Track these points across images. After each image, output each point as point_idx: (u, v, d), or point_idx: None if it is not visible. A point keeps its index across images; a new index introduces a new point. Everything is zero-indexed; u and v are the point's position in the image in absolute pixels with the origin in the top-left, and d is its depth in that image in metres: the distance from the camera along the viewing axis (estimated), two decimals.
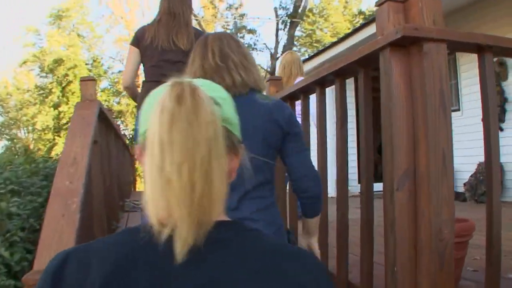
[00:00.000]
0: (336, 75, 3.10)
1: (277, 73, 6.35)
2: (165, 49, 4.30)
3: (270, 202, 2.34)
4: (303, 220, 2.56)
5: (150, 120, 1.00)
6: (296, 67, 6.22)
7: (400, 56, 2.30)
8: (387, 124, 2.30)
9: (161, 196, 0.96)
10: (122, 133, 13.13)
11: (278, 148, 2.34)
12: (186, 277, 0.97)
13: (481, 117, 7.52)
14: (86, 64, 31.63)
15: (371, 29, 9.17)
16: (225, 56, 2.31)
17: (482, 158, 8.03)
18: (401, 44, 2.29)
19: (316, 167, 2.51)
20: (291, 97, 4.06)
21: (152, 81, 4.23)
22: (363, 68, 2.76)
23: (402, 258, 2.22)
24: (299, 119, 3.63)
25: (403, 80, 2.28)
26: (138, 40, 4.43)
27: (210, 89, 1.12)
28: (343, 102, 3.12)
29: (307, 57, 14.77)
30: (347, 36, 11.01)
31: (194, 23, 4.57)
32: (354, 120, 10.16)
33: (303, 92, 3.80)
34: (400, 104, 2.26)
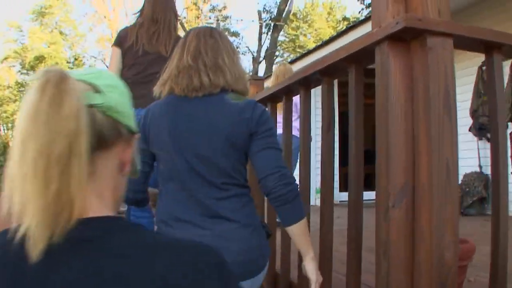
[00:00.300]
0: (323, 74, 2.78)
1: (270, 84, 6.11)
2: (146, 51, 4.24)
3: (245, 201, 2.25)
4: (290, 236, 2.30)
5: (19, 111, 0.97)
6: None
7: (399, 51, 1.99)
8: (383, 129, 2.00)
9: (18, 191, 0.92)
10: None
11: (245, 150, 2.24)
12: (44, 277, 0.91)
13: (468, 126, 7.33)
14: (68, 62, 31.80)
15: (358, 33, 8.90)
16: (197, 56, 2.27)
17: (467, 169, 7.95)
18: (401, 38, 1.99)
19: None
20: (272, 99, 3.74)
21: (127, 81, 4.08)
22: (354, 65, 2.44)
23: (397, 286, 1.92)
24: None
25: (403, 78, 1.97)
26: (120, 42, 4.37)
27: (95, 77, 1.09)
28: (331, 103, 2.80)
29: (289, 61, 14.50)
30: (332, 39, 10.70)
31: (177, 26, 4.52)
32: (337, 126, 9.90)
33: (286, 94, 3.47)
34: (398, 106, 1.95)
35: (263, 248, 2.24)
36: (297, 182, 2.24)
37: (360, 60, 2.40)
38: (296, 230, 2.21)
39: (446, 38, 1.95)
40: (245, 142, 2.21)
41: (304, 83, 3.10)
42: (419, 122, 1.93)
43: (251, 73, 26.57)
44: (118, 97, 1.10)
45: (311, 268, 2.26)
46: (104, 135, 1.04)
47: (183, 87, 2.25)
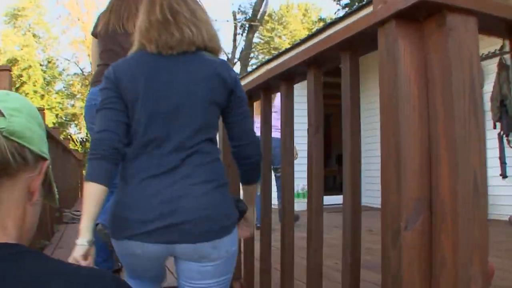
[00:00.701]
0: (310, 65, 2.37)
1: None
2: (116, 32, 4.16)
3: (211, 159, 2.19)
4: (243, 189, 2.51)
5: None
6: None
7: (410, 33, 1.58)
8: (390, 132, 1.59)
9: None
10: (76, 137, 12.89)
11: (222, 107, 2.25)
12: None
13: None
14: (41, 65, 32.01)
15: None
16: (175, 11, 2.18)
17: None
18: (412, 17, 1.58)
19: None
20: (249, 96, 3.32)
21: (104, 65, 4.04)
22: (349, 53, 2.04)
23: None
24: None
25: (415, 68, 1.57)
26: (94, 29, 4.39)
27: None
28: (319, 100, 2.39)
29: (263, 62, 14.15)
30: (309, 37, 10.35)
31: None
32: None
33: (264, 89, 3.06)
34: (411, 104, 1.55)
35: (227, 208, 2.17)
36: None
37: (357, 46, 2.00)
38: (252, 189, 2.46)
39: (469, 17, 1.54)
40: (224, 99, 2.21)
41: (286, 77, 2.69)
42: (437, 123, 1.52)
43: None
44: (24, 122, 1.05)
45: (252, 218, 2.50)
46: (7, 161, 0.99)
47: (159, 43, 2.16)
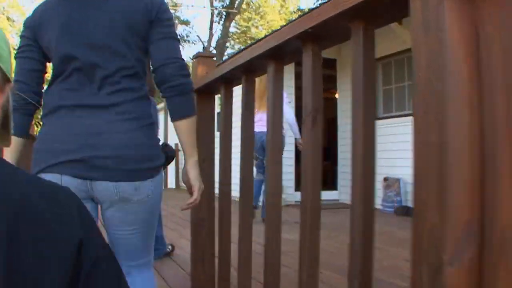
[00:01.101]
0: (307, 41, 1.90)
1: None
2: None
3: (137, 96, 2.13)
4: (177, 134, 2.25)
5: None
6: None
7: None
8: (432, 129, 1.15)
9: None
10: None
11: (146, 39, 2.16)
12: None
13: None
14: (14, 49, 31.89)
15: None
16: None
17: None
18: None
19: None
20: (227, 79, 2.89)
21: None
22: (363, 25, 1.58)
23: None
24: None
25: (464, 42, 1.13)
26: None
27: None
28: (318, 83, 1.91)
29: (238, 51, 13.76)
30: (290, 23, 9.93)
31: None
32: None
33: (246, 72, 2.62)
34: (460, 91, 1.11)
35: (151, 149, 2.12)
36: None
37: (376, 13, 1.54)
38: (185, 127, 2.21)
39: None
40: (143, 27, 2.13)
41: (275, 56, 2.23)
42: (496, 120, 1.08)
43: None
44: None
45: (195, 173, 2.26)
46: None
47: None
